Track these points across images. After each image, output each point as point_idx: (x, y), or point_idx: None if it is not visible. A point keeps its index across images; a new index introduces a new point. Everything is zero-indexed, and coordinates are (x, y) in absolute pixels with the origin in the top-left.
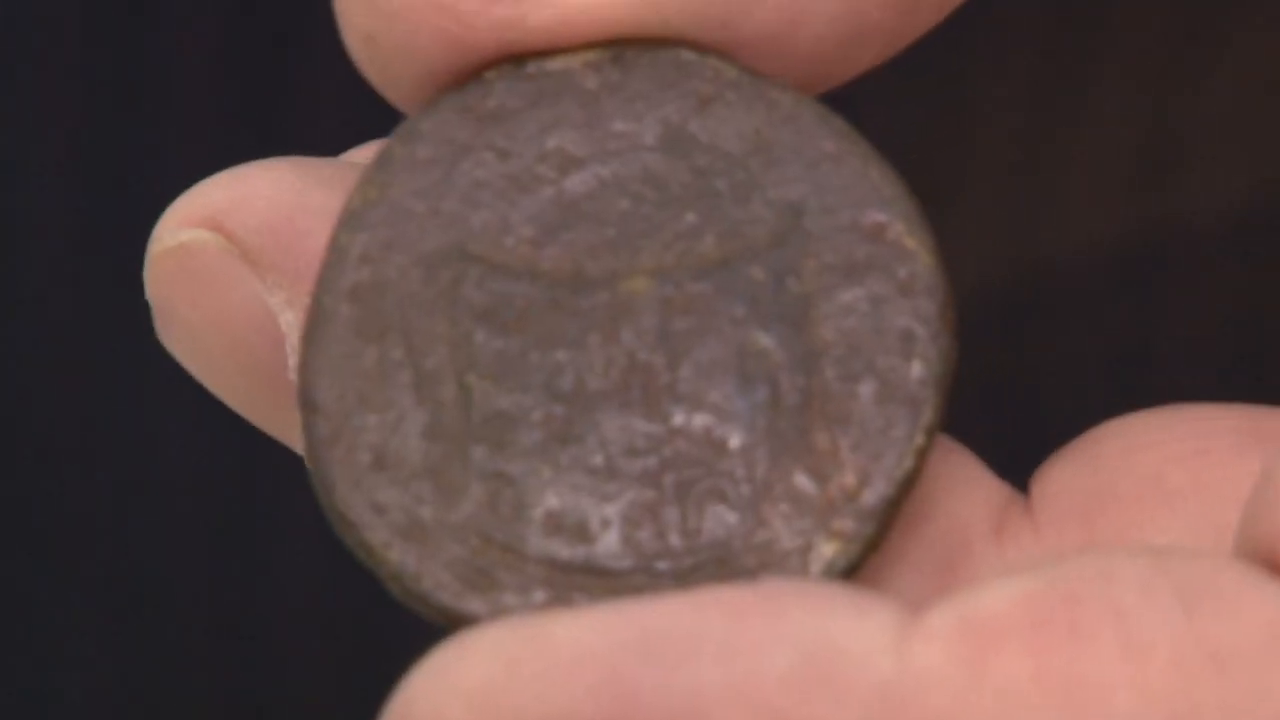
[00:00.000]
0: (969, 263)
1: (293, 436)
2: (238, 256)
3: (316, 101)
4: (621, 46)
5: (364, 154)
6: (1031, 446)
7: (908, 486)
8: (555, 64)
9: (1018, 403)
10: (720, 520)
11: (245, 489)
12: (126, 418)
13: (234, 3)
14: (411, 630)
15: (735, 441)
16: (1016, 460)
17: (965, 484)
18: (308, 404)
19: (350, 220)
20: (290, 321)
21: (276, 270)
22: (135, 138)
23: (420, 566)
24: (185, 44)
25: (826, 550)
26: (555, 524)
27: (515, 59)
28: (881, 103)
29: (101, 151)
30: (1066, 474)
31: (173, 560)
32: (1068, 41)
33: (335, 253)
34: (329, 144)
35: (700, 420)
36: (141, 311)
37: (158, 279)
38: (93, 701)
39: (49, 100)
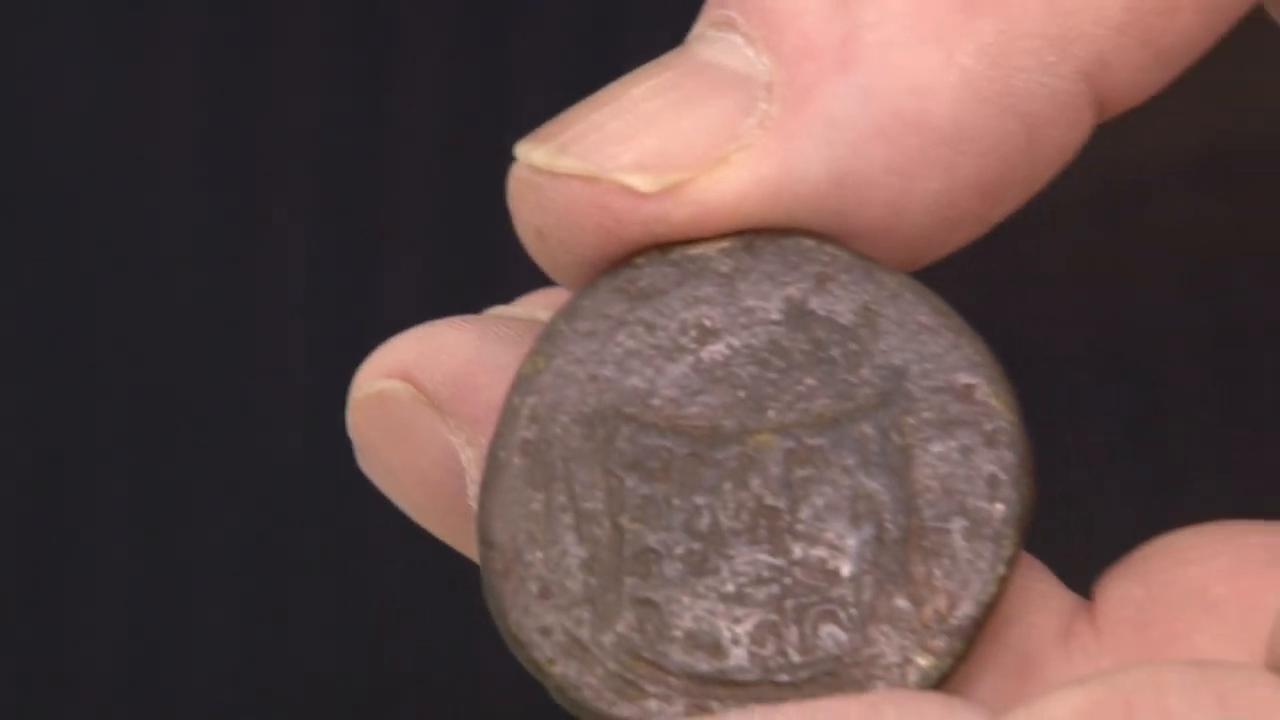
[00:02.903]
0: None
1: (469, 549)
2: (425, 403)
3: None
4: (751, 235)
5: (533, 299)
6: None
7: (991, 609)
8: (695, 250)
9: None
10: (833, 638)
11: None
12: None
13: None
14: None
15: (846, 571)
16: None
17: (1039, 596)
18: (485, 541)
19: (521, 385)
20: (469, 458)
21: (458, 416)
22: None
23: (580, 679)
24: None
25: (922, 663)
26: (693, 642)
27: (661, 246)
28: None
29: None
30: (1123, 585)
31: (293, 542)
32: None
33: (509, 412)
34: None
35: (817, 554)
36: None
37: (358, 421)
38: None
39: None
